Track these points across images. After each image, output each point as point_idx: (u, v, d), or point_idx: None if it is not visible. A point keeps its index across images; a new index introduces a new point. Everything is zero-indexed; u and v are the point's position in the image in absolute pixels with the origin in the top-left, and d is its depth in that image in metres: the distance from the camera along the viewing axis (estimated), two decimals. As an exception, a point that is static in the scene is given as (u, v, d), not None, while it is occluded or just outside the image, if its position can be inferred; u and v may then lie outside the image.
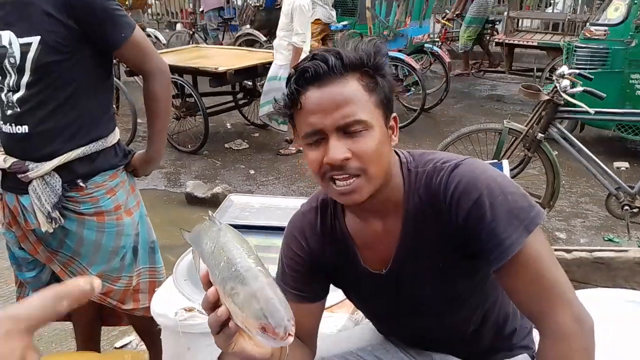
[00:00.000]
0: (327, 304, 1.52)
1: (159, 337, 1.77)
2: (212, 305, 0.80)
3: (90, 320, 2.01)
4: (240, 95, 5.90)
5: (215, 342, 0.84)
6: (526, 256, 0.91)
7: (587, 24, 5.53)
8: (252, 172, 4.93)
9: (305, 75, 0.93)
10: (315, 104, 0.92)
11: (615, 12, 4.80)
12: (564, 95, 3.19)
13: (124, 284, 1.80)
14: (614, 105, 4.61)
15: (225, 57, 5.67)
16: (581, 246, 2.82)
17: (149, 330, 2.00)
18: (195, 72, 5.23)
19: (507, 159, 3.33)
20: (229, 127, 6.24)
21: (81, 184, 1.65)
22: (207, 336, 1.59)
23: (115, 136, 1.73)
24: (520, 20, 8.51)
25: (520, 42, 7.32)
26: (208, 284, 0.82)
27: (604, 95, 3.19)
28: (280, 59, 4.98)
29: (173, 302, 1.63)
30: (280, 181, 4.71)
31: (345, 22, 7.04)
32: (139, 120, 5.21)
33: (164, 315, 1.62)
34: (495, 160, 3.04)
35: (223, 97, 5.86)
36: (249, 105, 5.99)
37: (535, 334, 1.34)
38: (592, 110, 3.23)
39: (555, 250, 2.23)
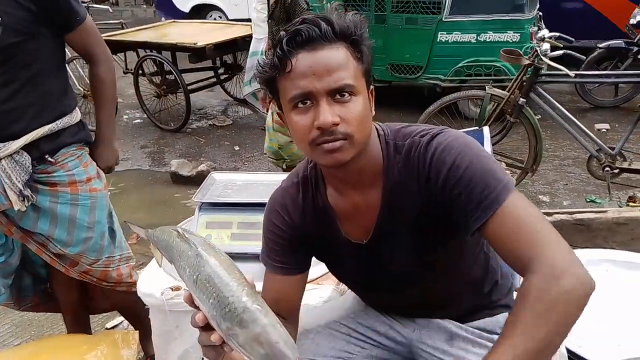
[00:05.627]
0: (313, 277, 1.53)
1: (147, 316, 1.79)
2: (202, 328, 0.80)
3: (75, 303, 2.02)
4: (221, 71, 5.83)
5: (203, 353, 0.84)
6: (510, 208, 0.90)
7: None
8: (237, 148, 4.90)
9: (297, 38, 0.92)
10: (307, 66, 0.92)
11: None
12: (544, 59, 3.19)
13: (102, 265, 1.84)
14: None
15: (203, 32, 5.58)
16: (562, 209, 2.87)
17: (133, 311, 2.03)
18: (174, 48, 5.15)
19: (490, 125, 3.34)
20: (211, 103, 6.18)
21: (50, 158, 1.68)
22: (194, 313, 1.61)
23: (77, 114, 1.77)
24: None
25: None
26: (192, 304, 0.81)
27: (584, 57, 3.20)
28: (259, 32, 4.88)
29: (159, 282, 1.64)
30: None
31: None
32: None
33: (150, 294, 1.63)
34: (476, 128, 3.04)
35: (204, 73, 5.79)
36: (231, 80, 5.93)
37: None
38: (572, 74, 3.24)
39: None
